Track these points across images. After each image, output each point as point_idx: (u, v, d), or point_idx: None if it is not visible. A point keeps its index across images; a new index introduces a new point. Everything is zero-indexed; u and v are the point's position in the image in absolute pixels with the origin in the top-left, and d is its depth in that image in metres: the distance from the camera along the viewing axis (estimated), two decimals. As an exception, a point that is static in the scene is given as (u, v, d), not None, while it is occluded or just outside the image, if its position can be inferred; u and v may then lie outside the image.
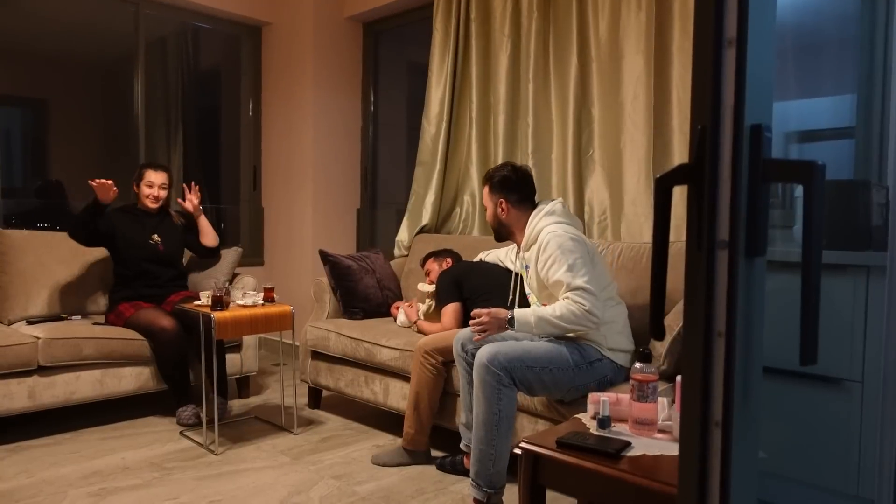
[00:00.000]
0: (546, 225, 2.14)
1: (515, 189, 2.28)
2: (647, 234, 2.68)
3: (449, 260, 2.99)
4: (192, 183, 3.24)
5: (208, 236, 3.25)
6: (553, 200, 2.26)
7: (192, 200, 3.20)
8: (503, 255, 2.72)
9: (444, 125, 3.49)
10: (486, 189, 2.32)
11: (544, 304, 2.10)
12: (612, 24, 2.82)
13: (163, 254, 3.13)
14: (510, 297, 2.46)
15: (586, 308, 1.95)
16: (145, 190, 3.12)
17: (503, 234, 2.33)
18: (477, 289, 2.62)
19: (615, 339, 2.10)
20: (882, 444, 1.30)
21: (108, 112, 4.12)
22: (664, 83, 2.68)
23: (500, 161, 3.27)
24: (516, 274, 2.44)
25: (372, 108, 4.34)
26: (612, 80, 2.83)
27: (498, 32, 3.28)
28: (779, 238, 2.20)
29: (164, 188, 3.15)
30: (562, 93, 3.01)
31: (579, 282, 1.98)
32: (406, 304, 3.06)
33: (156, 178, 3.13)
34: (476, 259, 2.84)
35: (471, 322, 2.12)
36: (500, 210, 2.28)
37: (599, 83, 2.87)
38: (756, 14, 0.72)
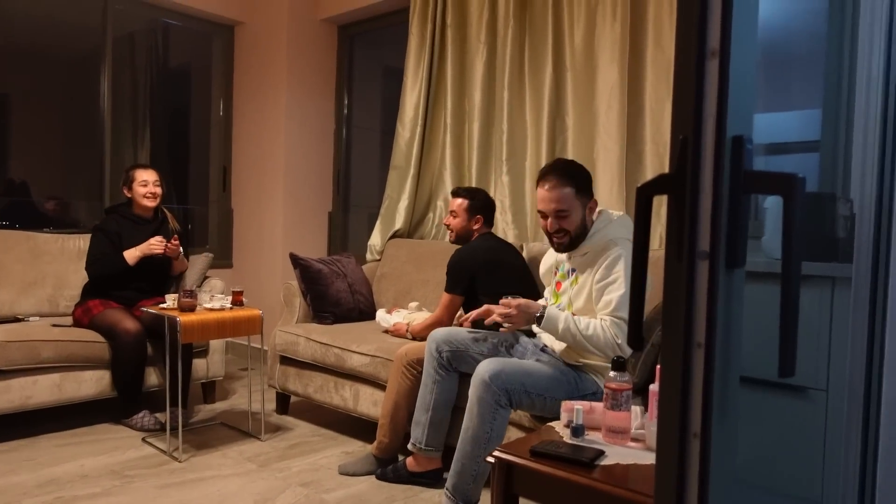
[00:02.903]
0: (622, 238, 1.96)
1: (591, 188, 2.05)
2: (619, 243, 2.69)
3: (479, 220, 2.67)
4: (174, 238, 3.01)
5: (177, 269, 3.19)
6: (621, 214, 2.07)
7: (171, 248, 2.96)
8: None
9: (418, 130, 3.47)
10: (571, 191, 1.95)
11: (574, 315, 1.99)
12: (588, 33, 2.84)
13: (157, 261, 3.01)
14: (542, 299, 2.24)
15: (619, 342, 1.86)
16: (140, 189, 3.01)
17: (576, 243, 2.00)
18: (496, 285, 2.39)
19: None
20: (847, 451, 1.33)
21: (73, 108, 4.00)
22: (637, 93, 2.70)
23: (474, 168, 3.26)
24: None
25: (346, 111, 4.30)
26: (586, 89, 2.85)
27: (474, 39, 3.28)
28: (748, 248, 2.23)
29: (158, 184, 3.05)
30: (536, 100, 3.03)
31: (624, 314, 1.87)
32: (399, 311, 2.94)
33: (148, 175, 3.04)
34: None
35: (498, 312, 1.97)
36: (588, 212, 2.00)
37: (574, 92, 2.89)
38: (739, 25, 0.72)
